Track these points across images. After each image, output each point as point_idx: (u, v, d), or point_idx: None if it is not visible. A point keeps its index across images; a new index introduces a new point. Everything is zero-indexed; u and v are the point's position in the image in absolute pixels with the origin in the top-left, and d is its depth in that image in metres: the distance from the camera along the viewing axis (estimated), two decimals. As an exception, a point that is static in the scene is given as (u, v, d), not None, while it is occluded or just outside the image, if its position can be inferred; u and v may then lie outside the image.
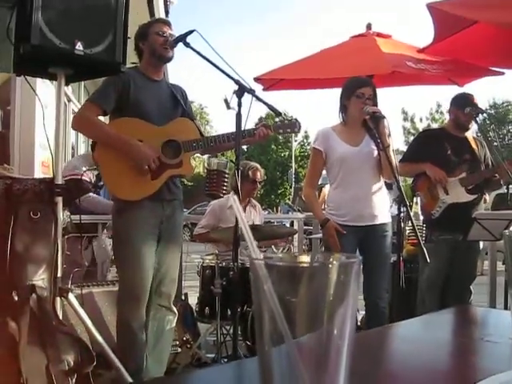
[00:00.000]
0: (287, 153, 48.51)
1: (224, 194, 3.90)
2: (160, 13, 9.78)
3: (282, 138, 48.55)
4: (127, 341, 3.43)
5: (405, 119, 39.96)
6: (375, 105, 3.99)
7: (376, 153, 4.04)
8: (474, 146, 4.79)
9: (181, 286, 5.35)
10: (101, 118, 3.68)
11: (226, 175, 3.57)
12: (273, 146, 47.67)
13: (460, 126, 4.74)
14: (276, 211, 28.23)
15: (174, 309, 3.74)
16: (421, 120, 39.23)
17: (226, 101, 3.19)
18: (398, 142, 39.58)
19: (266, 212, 17.50)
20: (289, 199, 39.88)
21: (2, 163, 4.07)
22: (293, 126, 3.72)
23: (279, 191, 47.50)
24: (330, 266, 0.53)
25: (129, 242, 3.46)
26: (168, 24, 3.67)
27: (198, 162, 47.85)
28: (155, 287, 3.59)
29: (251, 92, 3.16)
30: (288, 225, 10.61)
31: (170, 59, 3.62)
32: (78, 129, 3.67)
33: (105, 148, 3.48)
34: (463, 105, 4.66)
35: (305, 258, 0.60)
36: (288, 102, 48.02)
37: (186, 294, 5.09)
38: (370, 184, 4.04)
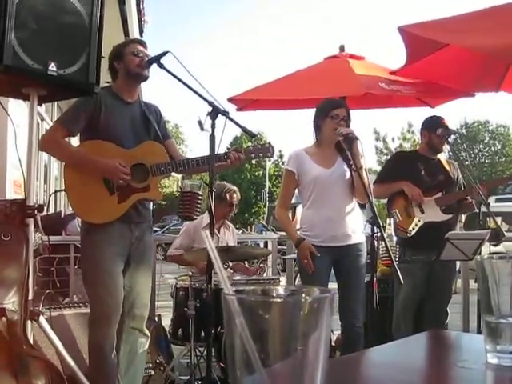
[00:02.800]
0: (261, 172, 48.61)
1: (198, 215, 3.88)
2: (134, 32, 9.78)
3: (256, 157, 48.58)
4: (98, 363, 3.38)
5: (377, 139, 40.40)
6: (348, 126, 4.02)
7: (348, 174, 4.07)
8: (447, 167, 4.84)
9: (154, 307, 5.30)
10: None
11: (200, 197, 3.55)
12: (247, 165, 47.69)
13: (433, 149, 4.79)
14: (250, 230, 28.21)
15: (147, 331, 3.69)
16: (393, 140, 39.66)
17: (199, 122, 3.18)
18: (370, 162, 39.96)
19: (240, 231, 17.50)
20: (263, 218, 39.89)
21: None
22: (265, 150, 3.69)
23: (253, 210, 47.50)
24: (303, 300, 0.53)
25: (98, 261, 3.42)
26: (143, 44, 3.67)
27: (172, 182, 47.77)
28: (128, 310, 3.55)
29: (225, 114, 3.17)
30: (262, 245, 10.60)
31: (146, 78, 3.60)
32: (45, 150, 3.65)
33: (72, 170, 3.49)
34: (435, 127, 4.72)
35: (278, 291, 0.59)
36: (262, 121, 48.17)
37: (159, 316, 5.04)
38: (342, 205, 4.06)
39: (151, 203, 3.86)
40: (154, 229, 27.27)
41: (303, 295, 0.57)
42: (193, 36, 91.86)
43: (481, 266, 1.03)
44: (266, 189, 45.46)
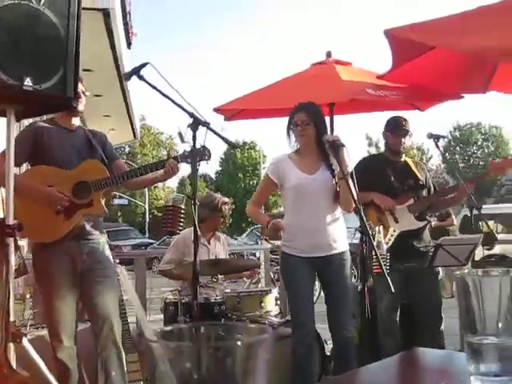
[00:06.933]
0: (255, 181, 48.59)
1: (181, 229, 3.82)
2: (121, 45, 9.73)
3: (250, 166, 48.69)
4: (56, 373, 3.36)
5: (369, 145, 40.22)
6: (322, 131, 3.94)
7: (332, 181, 3.97)
8: (415, 170, 4.71)
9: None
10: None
11: (182, 210, 3.49)
12: (240, 175, 47.69)
13: (393, 151, 4.69)
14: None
15: (120, 345, 3.68)
16: (386, 144, 39.45)
17: (180, 134, 3.12)
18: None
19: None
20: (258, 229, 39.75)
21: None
22: (200, 154, 3.55)
23: (249, 219, 47.36)
24: (236, 347, 0.46)
25: (44, 281, 3.63)
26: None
27: (167, 193, 47.64)
28: (96, 322, 3.64)
29: (205, 125, 3.10)
30: (258, 254, 10.53)
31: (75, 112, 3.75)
32: None
33: (17, 195, 3.55)
34: (392, 128, 4.63)
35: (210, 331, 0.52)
36: (256, 129, 48.04)
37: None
38: (325, 213, 3.95)
39: (101, 219, 3.97)
40: (150, 241, 27.15)
41: (237, 340, 0.49)
42: (187, 46, 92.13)
43: (461, 282, 0.95)
44: (261, 198, 45.35)
